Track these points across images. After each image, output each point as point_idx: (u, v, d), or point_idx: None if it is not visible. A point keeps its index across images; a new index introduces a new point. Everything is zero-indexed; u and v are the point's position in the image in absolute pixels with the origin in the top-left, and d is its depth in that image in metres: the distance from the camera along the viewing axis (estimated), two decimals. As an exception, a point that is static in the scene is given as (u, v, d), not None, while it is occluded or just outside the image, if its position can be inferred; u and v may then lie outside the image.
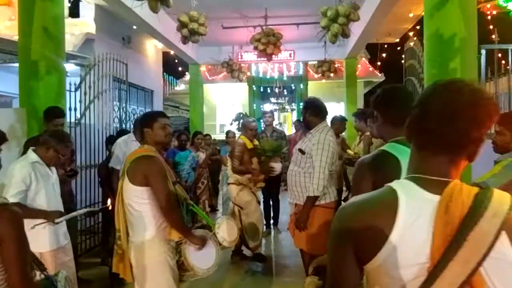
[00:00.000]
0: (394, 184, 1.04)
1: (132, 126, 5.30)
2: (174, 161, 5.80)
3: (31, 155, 2.92)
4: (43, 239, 2.87)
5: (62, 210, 3.07)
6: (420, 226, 0.96)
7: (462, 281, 0.90)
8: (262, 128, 6.84)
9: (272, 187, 6.27)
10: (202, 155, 6.48)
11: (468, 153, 1.01)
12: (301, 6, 7.85)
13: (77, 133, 5.23)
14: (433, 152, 1.02)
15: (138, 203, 2.52)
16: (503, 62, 5.08)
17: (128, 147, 4.05)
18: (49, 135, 3.03)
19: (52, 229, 2.92)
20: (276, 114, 13.53)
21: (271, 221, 6.72)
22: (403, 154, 1.64)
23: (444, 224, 0.93)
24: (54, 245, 2.94)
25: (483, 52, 4.42)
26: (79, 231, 5.34)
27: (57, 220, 2.90)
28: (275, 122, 7.96)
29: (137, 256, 2.56)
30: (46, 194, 2.92)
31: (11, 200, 2.70)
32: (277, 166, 5.15)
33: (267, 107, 15.11)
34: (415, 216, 0.96)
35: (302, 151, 3.55)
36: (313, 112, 3.63)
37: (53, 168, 3.10)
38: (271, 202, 6.64)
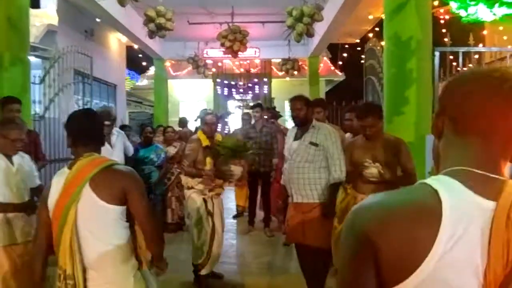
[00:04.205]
0: (434, 183, 0.78)
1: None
2: (137, 159, 5.45)
3: None
4: None
5: None
6: (470, 242, 0.72)
7: None
8: (252, 123, 6.26)
9: (264, 182, 5.93)
10: (172, 150, 5.99)
11: None
12: (266, 5, 8.02)
13: (41, 127, 5.14)
14: (485, 140, 0.78)
15: (114, 229, 1.84)
16: (454, 64, 5.44)
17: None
18: None
19: (6, 222, 2.72)
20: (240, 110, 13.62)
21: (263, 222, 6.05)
22: None
23: (505, 241, 0.71)
24: (6, 241, 2.72)
25: (437, 54, 4.71)
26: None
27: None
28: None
29: None
30: (2, 186, 2.72)
31: None
32: (236, 169, 4.09)
33: (231, 103, 15.21)
34: (463, 229, 0.73)
35: (315, 144, 3.40)
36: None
37: (16, 161, 2.84)
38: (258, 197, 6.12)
